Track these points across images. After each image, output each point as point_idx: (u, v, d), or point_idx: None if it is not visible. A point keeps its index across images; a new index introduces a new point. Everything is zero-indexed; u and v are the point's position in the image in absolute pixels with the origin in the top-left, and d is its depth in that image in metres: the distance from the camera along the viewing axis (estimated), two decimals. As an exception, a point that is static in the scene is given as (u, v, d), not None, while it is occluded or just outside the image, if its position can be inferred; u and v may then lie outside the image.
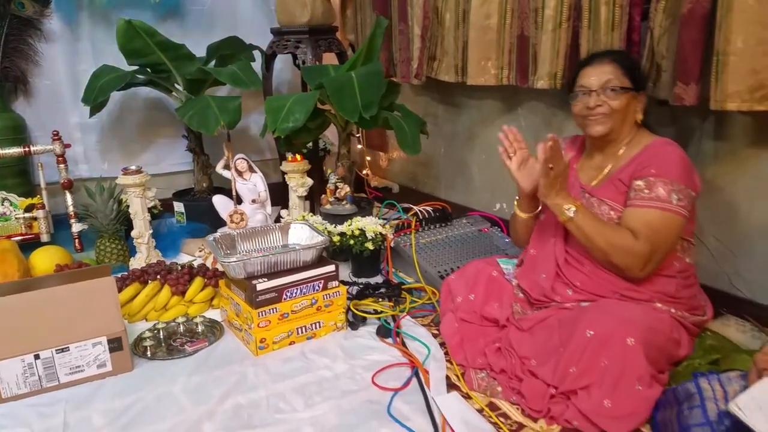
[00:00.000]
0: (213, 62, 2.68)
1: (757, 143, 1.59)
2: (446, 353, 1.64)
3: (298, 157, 2.42)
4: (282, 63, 3.09)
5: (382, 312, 1.91)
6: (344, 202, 2.41)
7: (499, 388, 1.47)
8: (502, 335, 1.58)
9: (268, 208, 2.48)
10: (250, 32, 2.90)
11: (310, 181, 2.44)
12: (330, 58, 2.89)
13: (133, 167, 2.20)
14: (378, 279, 2.19)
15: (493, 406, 1.43)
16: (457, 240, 2.31)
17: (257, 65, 2.86)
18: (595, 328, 1.33)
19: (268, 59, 2.85)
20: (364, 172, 3.20)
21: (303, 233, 1.94)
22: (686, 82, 1.52)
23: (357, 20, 3.00)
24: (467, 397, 1.47)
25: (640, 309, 1.39)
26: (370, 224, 2.16)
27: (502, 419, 1.38)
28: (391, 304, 1.97)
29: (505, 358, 1.52)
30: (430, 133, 2.82)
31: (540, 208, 1.66)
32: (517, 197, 1.69)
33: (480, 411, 1.41)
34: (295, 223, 1.98)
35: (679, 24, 1.53)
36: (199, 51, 2.67)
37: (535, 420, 1.37)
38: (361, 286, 2.10)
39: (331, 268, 1.80)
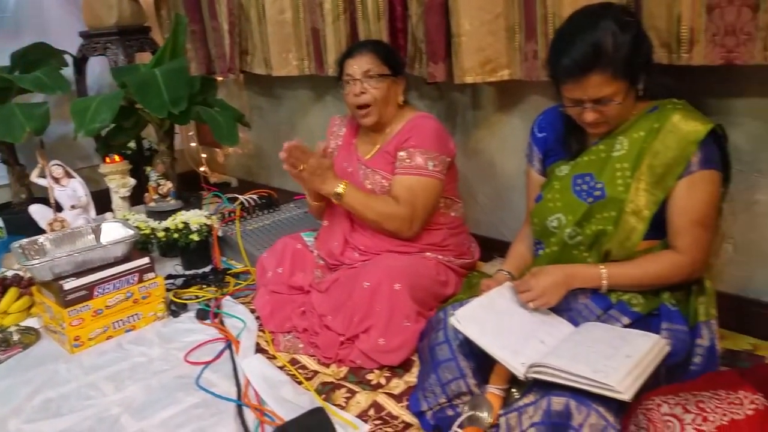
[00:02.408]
0: (18, 70, 2.60)
1: (501, 109, 1.89)
2: (261, 324, 1.78)
3: (116, 158, 2.42)
4: (101, 66, 3.04)
5: (202, 297, 2.01)
6: (168, 198, 2.45)
7: (301, 345, 1.64)
8: (306, 300, 1.75)
9: (92, 213, 2.45)
10: (61, 37, 2.82)
11: (132, 181, 2.46)
12: (148, 58, 2.90)
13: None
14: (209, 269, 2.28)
15: (294, 361, 1.60)
16: (283, 223, 2.45)
17: (70, 70, 2.81)
18: (370, 280, 1.54)
19: (80, 63, 2.81)
20: (201, 168, 3.24)
21: (117, 231, 1.98)
22: (435, 61, 1.76)
23: (172, 20, 3.02)
24: (273, 357, 1.62)
25: (406, 259, 1.62)
26: (194, 217, 2.24)
27: (300, 371, 1.55)
28: (216, 289, 2.07)
29: (307, 319, 1.69)
30: (257, 125, 2.93)
31: None
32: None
33: (281, 367, 1.56)
34: (106, 222, 2.01)
35: (425, 11, 1.77)
36: (5, 59, 2.57)
37: (327, 366, 1.56)
38: (187, 276, 2.17)
39: (146, 260, 1.87)
